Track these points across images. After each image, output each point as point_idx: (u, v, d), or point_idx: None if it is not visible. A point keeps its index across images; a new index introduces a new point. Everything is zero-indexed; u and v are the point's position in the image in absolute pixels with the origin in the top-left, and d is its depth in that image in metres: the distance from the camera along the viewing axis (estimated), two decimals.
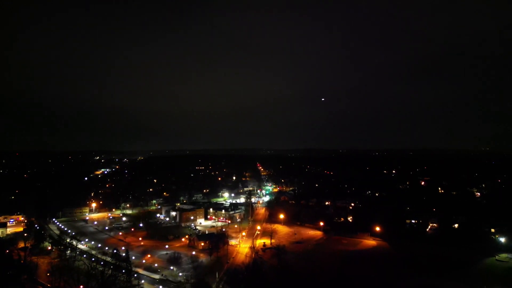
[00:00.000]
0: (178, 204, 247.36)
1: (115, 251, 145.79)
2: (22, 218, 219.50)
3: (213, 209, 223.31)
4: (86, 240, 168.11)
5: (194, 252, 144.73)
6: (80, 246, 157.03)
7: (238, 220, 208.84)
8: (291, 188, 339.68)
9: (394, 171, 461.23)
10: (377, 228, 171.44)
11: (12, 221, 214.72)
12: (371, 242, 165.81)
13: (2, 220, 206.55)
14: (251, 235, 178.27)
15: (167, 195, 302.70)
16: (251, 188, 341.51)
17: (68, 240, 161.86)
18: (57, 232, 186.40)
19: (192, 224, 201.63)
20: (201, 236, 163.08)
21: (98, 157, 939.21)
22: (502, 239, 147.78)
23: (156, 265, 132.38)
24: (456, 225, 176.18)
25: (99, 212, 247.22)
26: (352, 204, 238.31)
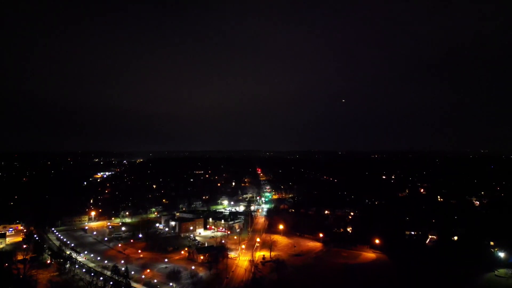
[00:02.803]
0: (178, 214, 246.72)
1: (114, 264, 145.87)
2: (22, 227, 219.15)
3: (212, 219, 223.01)
4: (86, 252, 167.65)
5: (193, 267, 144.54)
6: (79, 258, 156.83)
7: (238, 230, 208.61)
8: (290, 195, 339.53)
9: (393, 176, 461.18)
10: (377, 241, 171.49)
11: (11, 230, 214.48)
12: (370, 255, 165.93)
13: (1, 230, 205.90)
14: (251, 247, 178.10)
15: (167, 202, 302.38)
16: (250, 195, 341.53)
17: (67, 252, 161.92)
18: (56, 243, 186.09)
19: (192, 235, 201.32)
20: (201, 249, 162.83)
21: (97, 159, 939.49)
22: (502, 254, 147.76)
23: (155, 280, 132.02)
24: (455, 237, 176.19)
25: (98, 220, 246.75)
26: (352, 214, 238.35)
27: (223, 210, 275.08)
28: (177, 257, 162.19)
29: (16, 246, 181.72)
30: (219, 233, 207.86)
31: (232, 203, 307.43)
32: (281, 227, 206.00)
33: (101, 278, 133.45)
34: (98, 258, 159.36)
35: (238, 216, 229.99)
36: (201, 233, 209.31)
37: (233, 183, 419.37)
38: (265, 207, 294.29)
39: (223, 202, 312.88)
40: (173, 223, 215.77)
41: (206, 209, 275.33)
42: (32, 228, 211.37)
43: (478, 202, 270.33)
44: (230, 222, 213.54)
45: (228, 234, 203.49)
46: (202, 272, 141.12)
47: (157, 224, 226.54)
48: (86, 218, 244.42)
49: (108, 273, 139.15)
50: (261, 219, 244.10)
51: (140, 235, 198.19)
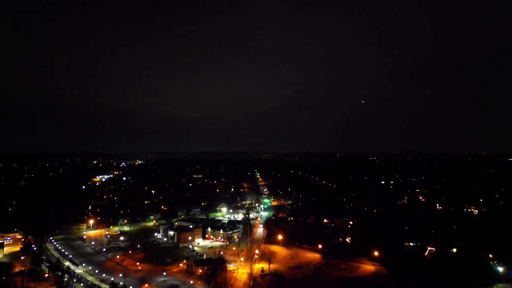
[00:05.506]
0: (176, 223, 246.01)
1: (112, 279, 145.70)
2: (20, 236, 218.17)
3: (211, 228, 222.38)
4: (84, 264, 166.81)
5: (192, 281, 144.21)
6: (77, 270, 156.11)
7: (236, 240, 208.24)
8: (289, 202, 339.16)
9: (392, 182, 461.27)
10: (376, 253, 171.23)
11: (9, 239, 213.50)
12: (369, 267, 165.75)
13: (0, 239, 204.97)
14: (250, 259, 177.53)
15: (165, 208, 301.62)
16: (249, 201, 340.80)
17: (65, 263, 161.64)
18: (55, 253, 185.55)
19: (190, 245, 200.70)
20: (199, 261, 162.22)
21: (95, 161, 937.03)
22: (501, 268, 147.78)
23: None
24: (454, 250, 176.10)
25: (96, 228, 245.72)
26: (351, 222, 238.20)
27: (222, 218, 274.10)
28: (175, 270, 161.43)
29: (14, 256, 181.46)
30: (217, 243, 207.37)
31: (231, 210, 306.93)
32: (280, 237, 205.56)
33: None
34: (96, 270, 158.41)
35: (237, 226, 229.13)
36: (200, 243, 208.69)
37: (232, 189, 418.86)
38: (264, 214, 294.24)
39: (221, 209, 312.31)
40: (171, 232, 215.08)
41: (204, 217, 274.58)
42: (30, 237, 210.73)
43: (477, 211, 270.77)
44: (229, 232, 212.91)
45: (227, 244, 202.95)
46: (200, 286, 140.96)
47: (156, 234, 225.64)
48: (85, 226, 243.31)
49: (107, 287, 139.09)
50: (260, 228, 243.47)
51: (139, 245, 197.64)
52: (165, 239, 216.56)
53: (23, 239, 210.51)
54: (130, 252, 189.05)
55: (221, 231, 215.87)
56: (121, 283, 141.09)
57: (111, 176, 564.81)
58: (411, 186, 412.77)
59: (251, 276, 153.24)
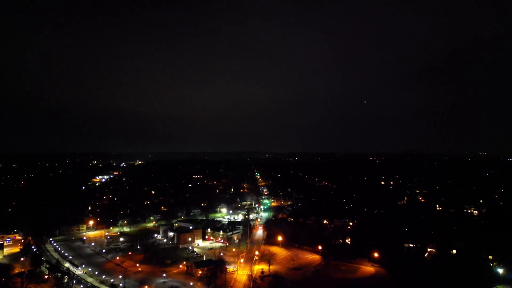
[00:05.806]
0: (176, 224, 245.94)
1: (112, 280, 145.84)
2: (20, 237, 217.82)
3: (211, 229, 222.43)
4: (83, 265, 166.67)
5: (191, 282, 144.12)
6: (77, 272, 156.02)
7: (236, 241, 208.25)
8: (289, 203, 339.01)
9: (391, 183, 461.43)
10: (375, 254, 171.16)
11: (8, 240, 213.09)
12: (369, 268, 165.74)
13: None
14: (249, 260, 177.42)
15: (165, 209, 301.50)
16: (249, 202, 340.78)
17: (65, 265, 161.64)
18: (54, 254, 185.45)
19: (190, 246, 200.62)
20: (199, 263, 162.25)
21: (95, 161, 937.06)
22: (500, 270, 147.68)
23: None
24: (454, 251, 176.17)
25: (96, 229, 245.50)
26: (351, 223, 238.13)
27: (221, 219, 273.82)
28: (175, 271, 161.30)
29: (13, 257, 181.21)
30: (217, 244, 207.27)
31: (230, 211, 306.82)
32: (279, 238, 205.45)
33: None
34: (96, 272, 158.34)
35: (237, 227, 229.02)
36: (200, 244, 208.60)
37: (232, 189, 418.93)
38: (264, 215, 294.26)
39: (221, 210, 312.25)
40: (171, 233, 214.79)
41: (204, 218, 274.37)
42: (30, 238, 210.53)
43: (476, 212, 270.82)
44: (229, 233, 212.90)
45: (226, 245, 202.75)
46: None
47: (156, 235, 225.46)
48: (84, 227, 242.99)
49: None
50: (260, 229, 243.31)
51: (138, 246, 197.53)
52: (165, 240, 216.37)
53: (22, 240, 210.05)
54: (130, 253, 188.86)
55: (221, 232, 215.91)
56: (121, 284, 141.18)
57: (111, 176, 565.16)
58: (411, 187, 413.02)
59: (251, 277, 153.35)
